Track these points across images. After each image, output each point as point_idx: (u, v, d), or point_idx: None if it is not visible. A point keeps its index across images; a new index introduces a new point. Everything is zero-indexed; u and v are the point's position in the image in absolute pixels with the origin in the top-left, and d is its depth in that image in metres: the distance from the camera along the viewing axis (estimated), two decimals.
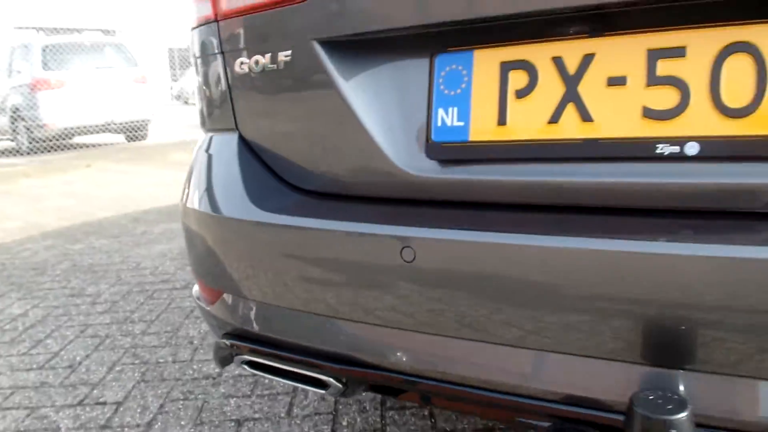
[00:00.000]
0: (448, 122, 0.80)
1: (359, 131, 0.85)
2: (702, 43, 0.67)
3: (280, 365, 0.95)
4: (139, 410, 1.62)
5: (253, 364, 1.01)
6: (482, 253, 0.72)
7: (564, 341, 0.71)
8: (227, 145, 1.02)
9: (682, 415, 0.58)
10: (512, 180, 0.76)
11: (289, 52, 0.89)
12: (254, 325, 0.97)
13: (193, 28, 1.05)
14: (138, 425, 1.55)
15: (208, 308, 1.05)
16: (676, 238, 0.65)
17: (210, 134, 1.10)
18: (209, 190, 1.01)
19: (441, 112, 0.81)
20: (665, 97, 0.68)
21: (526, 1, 0.71)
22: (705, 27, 0.67)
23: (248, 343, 0.99)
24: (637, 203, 0.70)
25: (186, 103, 24.66)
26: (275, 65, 0.91)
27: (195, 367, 1.86)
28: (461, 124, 0.79)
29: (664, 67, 0.68)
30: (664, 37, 0.68)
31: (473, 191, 0.79)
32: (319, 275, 0.86)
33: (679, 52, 0.68)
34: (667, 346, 0.65)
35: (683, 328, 0.64)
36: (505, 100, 0.77)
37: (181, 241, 3.40)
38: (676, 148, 0.68)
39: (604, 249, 0.67)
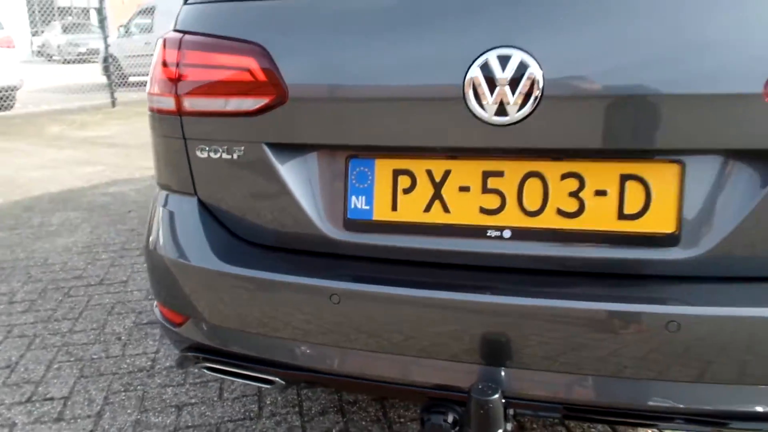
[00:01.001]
0: (359, 206, 1.18)
1: (296, 207, 1.21)
2: (513, 170, 1.10)
3: (234, 369, 1.31)
4: (86, 403, 1.90)
5: (211, 369, 1.36)
6: (383, 297, 1.12)
7: (431, 350, 1.13)
8: (187, 204, 1.33)
9: (495, 396, 1.03)
10: (399, 246, 1.17)
11: (242, 148, 1.22)
12: (214, 341, 1.32)
13: (155, 112, 1.34)
14: (89, 416, 1.83)
15: (175, 329, 1.38)
16: (499, 288, 1.08)
17: (166, 192, 1.40)
18: (174, 240, 1.33)
19: (353, 198, 1.19)
20: (492, 201, 1.11)
21: (408, 138, 1.10)
22: (514, 160, 1.09)
23: (208, 354, 1.33)
24: (476, 262, 1.13)
25: (50, 59, 22.62)
26: (230, 155, 1.24)
27: (128, 361, 2.14)
28: (367, 207, 1.18)
29: (491, 183, 1.11)
30: (492, 163, 1.10)
31: (374, 251, 1.18)
32: (265, 308, 1.22)
33: (500, 173, 1.10)
34: (489, 353, 1.09)
35: (498, 344, 1.08)
36: (396, 194, 1.16)
37: (84, 233, 3.53)
38: (498, 233, 1.11)
39: (451, 297, 1.08)
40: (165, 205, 1.39)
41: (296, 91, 1.15)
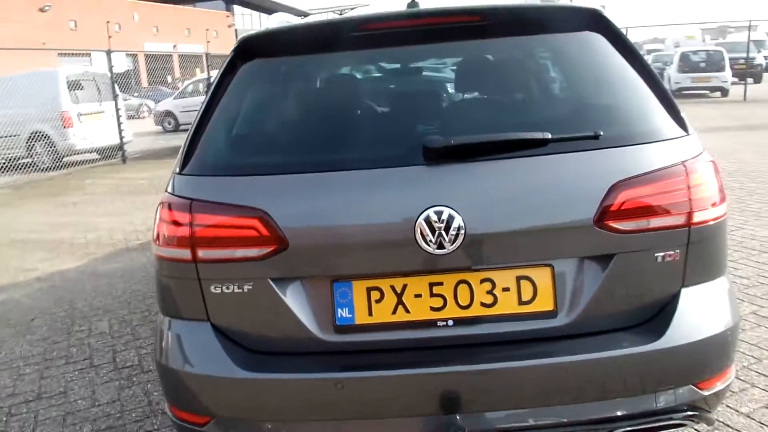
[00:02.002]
0: (344, 315, 1.66)
1: (296, 321, 1.65)
2: (449, 280, 1.64)
3: None
4: None
5: None
6: (373, 379, 1.60)
7: (409, 410, 1.62)
8: (201, 328, 1.72)
9: None
10: (377, 339, 1.66)
11: (251, 284, 1.66)
12: (247, 430, 1.70)
13: (168, 260, 1.72)
14: None
15: (199, 428, 1.73)
16: (450, 360, 1.61)
17: (173, 318, 1.77)
18: (196, 358, 1.71)
19: (339, 310, 1.66)
20: (438, 302, 1.65)
21: (376, 266, 1.61)
22: (450, 274, 1.64)
23: None
24: (432, 344, 1.65)
25: None
26: (241, 290, 1.67)
27: None
28: (350, 316, 1.66)
29: (435, 290, 1.65)
30: (435, 278, 1.64)
31: (360, 346, 1.67)
32: (283, 400, 1.64)
33: (441, 283, 1.64)
34: (450, 405, 1.60)
35: (457, 397, 1.60)
36: (371, 304, 1.66)
37: None
38: (444, 322, 1.64)
39: (419, 371, 1.59)
40: (178, 330, 1.76)
41: (294, 239, 1.62)
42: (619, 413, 1.65)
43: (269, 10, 43.10)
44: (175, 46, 37.09)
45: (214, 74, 17.47)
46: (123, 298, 4.31)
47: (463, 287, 1.65)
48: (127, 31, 34.46)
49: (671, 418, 1.66)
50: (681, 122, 1.73)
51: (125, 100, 15.39)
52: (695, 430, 2.27)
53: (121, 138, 12.12)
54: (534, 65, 2.02)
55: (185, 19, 42.02)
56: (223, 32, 43.90)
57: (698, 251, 1.66)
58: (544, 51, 1.96)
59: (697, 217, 1.64)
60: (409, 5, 2.00)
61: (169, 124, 19.39)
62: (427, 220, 1.57)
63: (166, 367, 1.76)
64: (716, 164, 1.72)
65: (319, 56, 1.90)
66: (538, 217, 1.60)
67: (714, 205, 1.67)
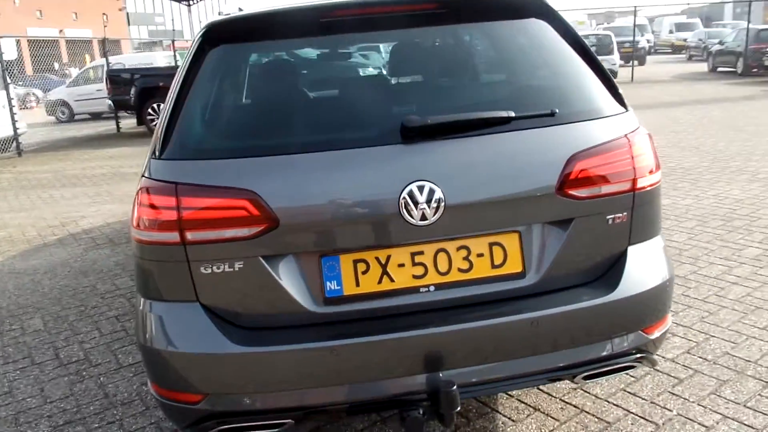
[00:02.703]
0: (332, 288, 1.76)
1: (287, 295, 1.73)
2: (429, 249, 1.77)
3: (252, 423, 1.77)
4: None
5: (229, 429, 1.79)
6: (363, 344, 1.71)
7: (399, 371, 1.75)
8: (188, 309, 1.76)
9: (454, 387, 1.70)
10: (364, 308, 1.77)
11: (242, 263, 1.71)
12: (238, 405, 1.76)
13: (152, 244, 1.74)
14: None
15: (192, 406, 1.77)
16: (433, 323, 1.75)
17: (155, 302, 1.79)
18: (186, 338, 1.75)
19: (327, 283, 1.76)
20: (419, 270, 1.78)
21: (361, 240, 1.72)
22: (429, 243, 1.77)
23: (227, 417, 1.77)
24: (416, 309, 1.79)
25: None
26: (232, 269, 1.72)
27: None
28: (339, 288, 1.76)
29: (417, 258, 1.78)
30: (416, 247, 1.77)
31: (348, 316, 1.77)
32: (279, 371, 1.72)
33: (421, 252, 1.78)
34: (435, 363, 1.75)
35: (441, 356, 1.74)
36: (357, 275, 1.77)
37: None
38: (426, 289, 1.78)
39: (405, 335, 1.72)
40: (165, 312, 1.79)
41: (284, 218, 1.69)
42: (581, 360, 1.86)
43: None
44: (61, 31, 34.71)
45: (116, 59, 16.90)
46: (52, 294, 4.13)
47: (442, 255, 1.79)
48: (8, 15, 31.89)
49: (625, 361, 1.89)
50: (621, 100, 1.95)
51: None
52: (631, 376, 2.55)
53: (15, 129, 11.32)
54: (492, 50, 2.18)
55: (72, 3, 39.35)
56: (114, 16, 41.56)
57: (640, 213, 1.89)
58: (500, 37, 2.12)
59: (640, 183, 1.86)
60: None
61: (63, 113, 18.30)
62: (410, 194, 1.69)
63: (152, 350, 1.78)
64: (651, 136, 1.96)
65: (291, 41, 1.96)
66: (507, 187, 1.77)
67: (651, 172, 1.90)
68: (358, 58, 2.04)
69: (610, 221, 1.85)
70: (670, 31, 34.70)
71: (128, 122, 14.71)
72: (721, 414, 2.29)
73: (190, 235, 1.71)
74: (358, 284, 1.77)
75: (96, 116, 17.70)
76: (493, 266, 1.82)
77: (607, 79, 1.97)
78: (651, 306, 1.91)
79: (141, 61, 17.23)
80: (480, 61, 2.14)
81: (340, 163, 1.73)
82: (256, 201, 1.69)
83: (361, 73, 2.02)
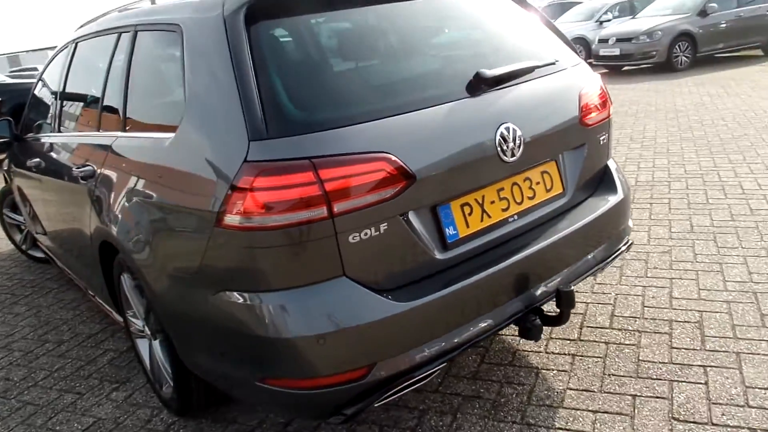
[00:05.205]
0: (450, 233, 1.91)
1: (422, 248, 1.83)
2: (507, 184, 2.06)
3: (418, 378, 1.81)
4: None
5: (395, 392, 1.79)
6: (491, 274, 1.92)
7: (511, 292, 1.99)
8: (338, 284, 1.71)
9: (572, 288, 2.02)
10: (475, 246, 1.96)
11: (386, 224, 1.75)
12: (396, 367, 1.77)
13: (289, 226, 1.64)
14: None
15: (359, 382, 1.72)
16: (524, 246, 2.04)
17: (289, 290, 1.70)
18: (348, 312, 1.70)
19: (446, 229, 1.90)
20: (504, 204, 2.05)
21: (467, 184, 1.92)
22: (506, 179, 2.05)
23: (394, 380, 1.77)
24: (507, 238, 2.05)
25: None
26: (378, 232, 1.74)
27: None
28: (455, 232, 1.92)
29: (501, 194, 2.05)
30: (499, 184, 2.03)
31: (466, 254, 1.94)
32: (432, 322, 1.80)
33: (503, 188, 2.05)
34: (540, 276, 2.04)
35: (540, 270, 2.05)
36: (465, 218, 1.95)
37: None
38: (513, 218, 2.06)
39: (511, 261, 1.98)
40: (310, 296, 1.70)
41: (418, 173, 1.78)
42: (614, 249, 2.37)
43: None
44: None
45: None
46: None
47: (515, 187, 2.09)
48: None
49: (625, 245, 2.46)
50: (576, 54, 2.50)
51: None
52: None
53: None
54: (499, 15, 2.45)
55: None
56: None
57: (609, 135, 2.47)
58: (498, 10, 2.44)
59: (610, 111, 2.44)
60: None
61: None
62: (503, 136, 1.96)
63: (301, 339, 1.69)
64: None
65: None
66: (554, 121, 2.16)
67: (611, 104, 2.50)
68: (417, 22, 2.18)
69: (601, 141, 2.39)
70: None
71: None
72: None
73: (337, 207, 1.68)
74: (468, 225, 1.96)
75: None
76: (547, 190, 2.19)
77: (567, 40, 2.49)
78: (629, 203, 2.52)
79: None
80: (495, 22, 2.40)
81: (447, 116, 1.89)
82: (393, 161, 1.74)
83: (423, 36, 2.16)
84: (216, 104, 1.80)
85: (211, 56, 1.83)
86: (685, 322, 2.69)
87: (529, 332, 2.06)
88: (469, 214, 1.97)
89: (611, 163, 2.51)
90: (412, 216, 1.82)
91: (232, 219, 1.70)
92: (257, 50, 1.78)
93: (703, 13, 11.65)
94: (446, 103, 1.92)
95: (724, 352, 2.44)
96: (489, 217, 2.02)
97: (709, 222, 3.81)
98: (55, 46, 3.64)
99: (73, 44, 3.18)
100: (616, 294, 3.01)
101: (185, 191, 1.88)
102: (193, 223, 1.85)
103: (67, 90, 3.19)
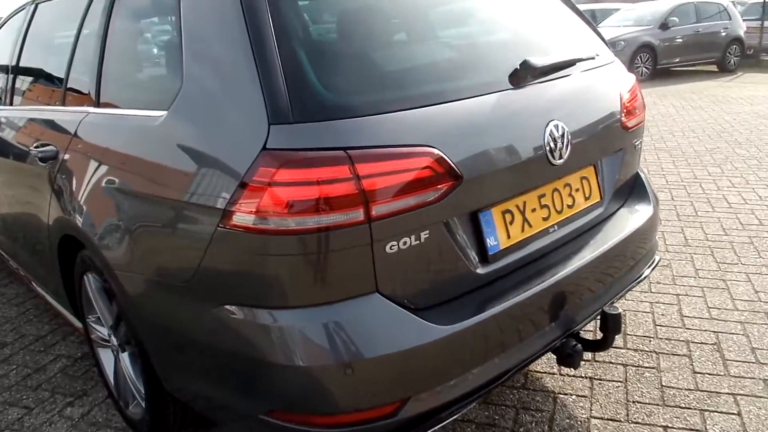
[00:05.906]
0: (491, 244, 1.65)
1: (460, 259, 1.57)
2: (548, 190, 1.82)
3: (454, 412, 1.54)
4: None
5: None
6: (533, 293, 1.67)
7: (551, 312, 1.75)
8: (369, 302, 1.43)
9: (618, 311, 1.80)
10: (514, 259, 1.71)
11: (427, 232, 1.47)
12: (432, 402, 1.50)
13: (320, 231, 1.34)
14: None
15: (388, 420, 1.44)
16: (561, 262, 1.80)
17: (307, 309, 1.40)
18: (381, 337, 1.42)
19: (487, 239, 1.64)
20: (545, 212, 1.81)
21: (508, 189, 1.66)
22: (547, 184, 1.81)
23: (430, 416, 1.50)
24: (547, 251, 1.81)
25: None
26: (418, 241, 1.46)
27: None
28: (496, 243, 1.66)
29: (542, 201, 1.80)
30: (540, 190, 1.79)
31: (505, 268, 1.69)
32: (472, 349, 1.54)
33: (543, 195, 1.80)
34: (585, 297, 1.81)
35: (585, 288, 1.82)
36: (507, 227, 1.70)
37: None
38: (553, 228, 1.82)
39: (555, 277, 1.74)
40: (333, 315, 1.41)
41: (465, 173, 1.51)
42: (649, 261, 2.17)
43: None
44: None
45: None
46: None
47: (556, 194, 1.86)
48: None
49: (655, 265, 2.26)
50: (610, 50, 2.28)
51: None
52: None
53: None
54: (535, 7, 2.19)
55: None
56: None
57: (641, 141, 2.27)
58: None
59: (645, 116, 2.24)
60: None
61: None
62: (551, 135, 1.71)
63: (323, 368, 1.40)
64: None
65: None
66: (599, 122, 1.93)
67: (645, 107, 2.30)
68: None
69: (636, 146, 2.18)
70: None
71: None
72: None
73: (375, 210, 1.39)
74: (509, 236, 1.71)
75: None
76: (585, 198, 1.96)
77: (603, 38, 2.27)
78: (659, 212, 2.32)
79: None
80: (530, 14, 2.15)
81: (493, 109, 1.63)
82: (439, 157, 1.47)
83: (463, 28, 1.88)
84: (224, 77, 1.48)
85: (219, 17, 1.51)
86: (702, 343, 2.52)
87: (570, 359, 1.83)
88: (511, 222, 1.72)
89: (641, 172, 2.31)
90: (452, 224, 1.55)
91: (242, 218, 1.38)
92: (280, 13, 1.46)
93: (664, 26, 11.84)
94: (490, 93, 1.66)
95: (750, 378, 2.28)
96: (530, 226, 1.77)
97: (703, 236, 3.70)
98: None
99: (33, 4, 2.75)
100: (624, 310, 2.83)
101: (178, 181, 1.54)
102: (189, 220, 1.52)
103: (24, 56, 2.76)
